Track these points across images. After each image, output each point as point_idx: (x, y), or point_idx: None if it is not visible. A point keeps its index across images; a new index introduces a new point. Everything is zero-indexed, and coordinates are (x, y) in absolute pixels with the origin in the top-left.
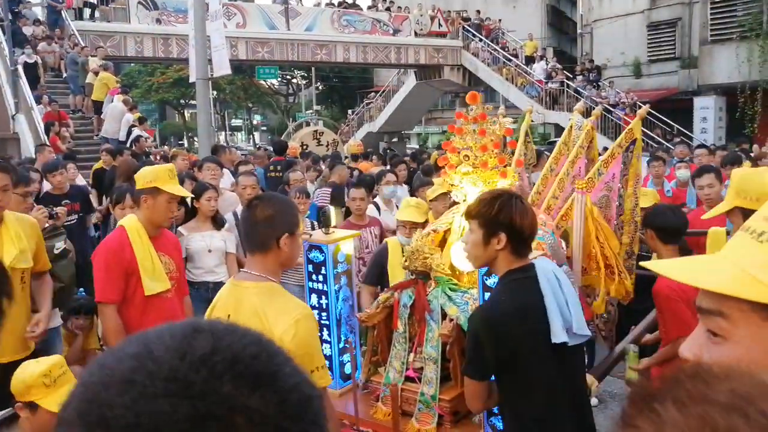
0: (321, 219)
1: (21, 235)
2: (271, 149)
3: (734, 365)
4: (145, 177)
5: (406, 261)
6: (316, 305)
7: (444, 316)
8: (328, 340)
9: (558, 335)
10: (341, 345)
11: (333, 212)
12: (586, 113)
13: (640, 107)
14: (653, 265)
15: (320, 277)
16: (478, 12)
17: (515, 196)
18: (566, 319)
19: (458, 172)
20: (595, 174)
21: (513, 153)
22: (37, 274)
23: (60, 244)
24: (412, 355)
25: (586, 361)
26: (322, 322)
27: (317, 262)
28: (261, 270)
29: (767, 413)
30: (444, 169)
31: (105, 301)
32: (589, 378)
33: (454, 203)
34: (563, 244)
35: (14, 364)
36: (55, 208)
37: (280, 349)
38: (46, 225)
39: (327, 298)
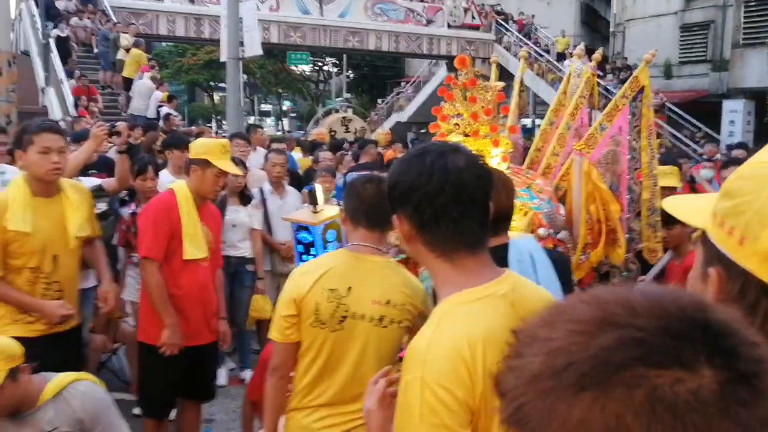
0: (309, 197)
1: (80, 202)
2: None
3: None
4: (198, 148)
5: (397, 241)
6: None
7: (435, 297)
8: None
9: None
10: None
11: (320, 190)
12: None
13: (669, 108)
14: (666, 203)
15: (310, 258)
16: (521, 13)
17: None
18: None
19: (449, 141)
20: (597, 129)
21: (506, 118)
22: (87, 240)
23: (102, 205)
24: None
25: None
26: None
27: (306, 243)
28: (380, 245)
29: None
30: (434, 137)
31: (151, 257)
32: None
33: None
34: (561, 209)
35: (71, 331)
36: (116, 124)
37: None
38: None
39: None
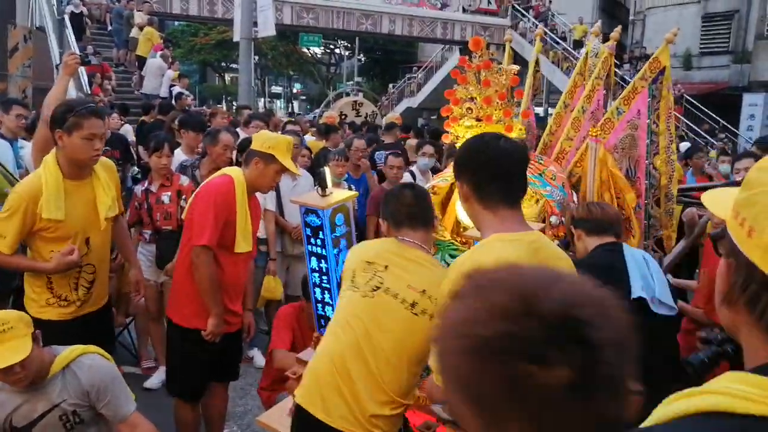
0: (317, 180)
1: (109, 182)
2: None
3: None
4: (264, 141)
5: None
6: (316, 268)
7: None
8: (330, 302)
9: (636, 291)
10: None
11: (329, 173)
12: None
13: (687, 100)
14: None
15: (318, 241)
16: None
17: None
18: (649, 286)
19: (462, 125)
20: (614, 113)
21: (520, 104)
22: (113, 217)
23: None
24: None
25: None
26: (323, 285)
27: (314, 226)
28: (425, 244)
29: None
30: (447, 121)
31: (208, 245)
32: None
33: None
34: (574, 197)
35: (102, 312)
36: (88, 54)
37: None
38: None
39: (327, 262)
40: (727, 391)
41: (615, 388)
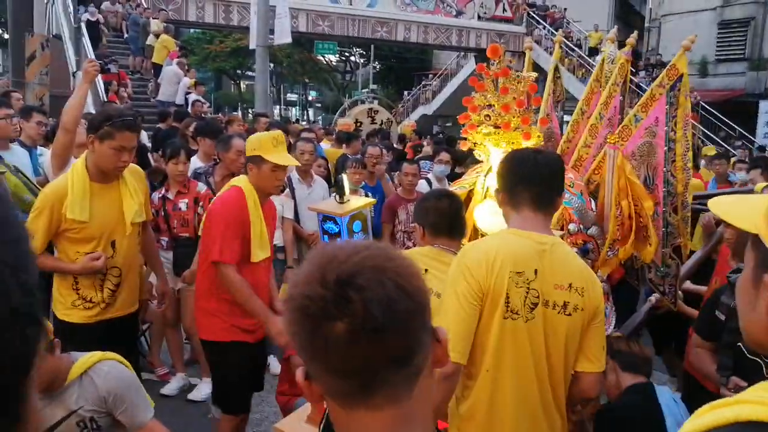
0: (335, 188)
1: (137, 188)
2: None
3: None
4: (250, 145)
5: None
6: None
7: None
8: None
9: None
10: None
11: (347, 181)
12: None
13: (702, 108)
14: (712, 204)
15: None
16: (553, 6)
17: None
18: None
19: (480, 132)
20: (631, 121)
21: (537, 111)
22: (141, 225)
23: None
24: None
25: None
26: None
27: (332, 233)
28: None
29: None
30: (464, 128)
31: (226, 262)
32: (617, 336)
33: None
34: (592, 204)
35: (129, 317)
36: (108, 62)
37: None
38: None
39: None
40: (762, 400)
41: (383, 334)
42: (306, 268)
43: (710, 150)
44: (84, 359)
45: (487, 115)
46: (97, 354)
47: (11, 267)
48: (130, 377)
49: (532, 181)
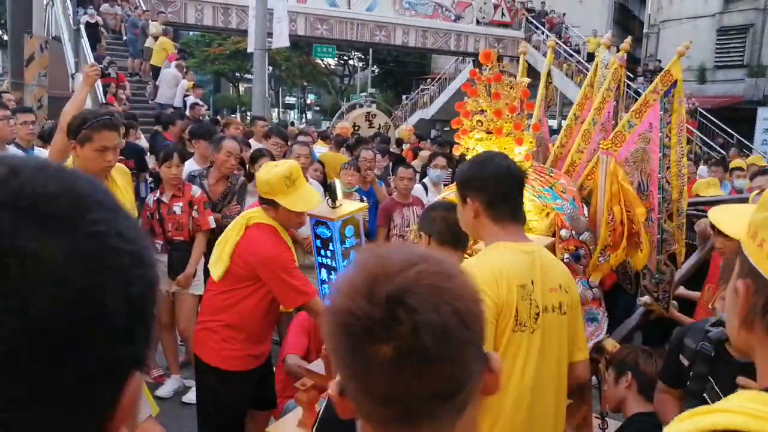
0: (327, 192)
1: (126, 187)
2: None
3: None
4: (261, 187)
5: (415, 239)
6: (326, 280)
7: None
8: None
9: None
10: None
11: (339, 185)
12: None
13: (701, 114)
14: (712, 214)
15: (329, 253)
16: (543, 3)
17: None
18: None
19: (472, 137)
20: (625, 127)
21: (531, 116)
22: None
23: None
24: None
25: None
26: None
27: (324, 238)
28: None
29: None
30: (457, 133)
31: (313, 295)
32: (610, 342)
33: None
34: (585, 209)
35: None
36: (108, 66)
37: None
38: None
39: (337, 274)
40: (741, 410)
41: (431, 365)
42: (353, 275)
43: (738, 163)
44: None
45: (479, 121)
46: None
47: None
48: None
49: (512, 194)
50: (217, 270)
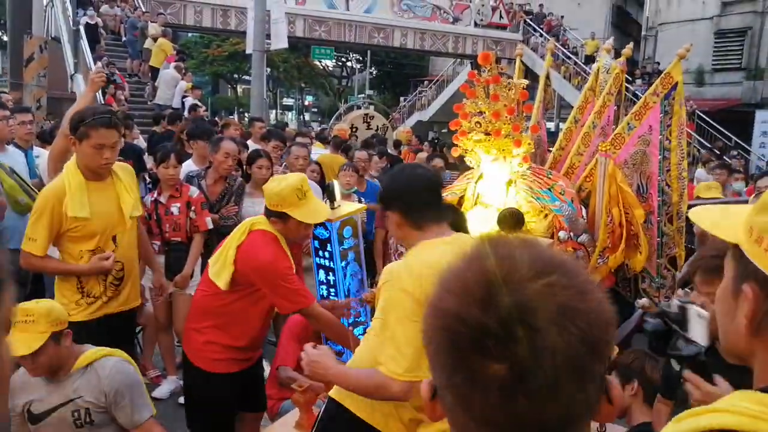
0: (326, 193)
1: (130, 184)
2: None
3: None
4: (270, 198)
5: None
6: (324, 280)
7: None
8: None
9: None
10: (351, 320)
11: (338, 186)
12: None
13: (698, 117)
14: (693, 214)
15: (326, 254)
16: (541, 6)
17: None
18: None
19: (470, 139)
20: (624, 129)
21: (529, 118)
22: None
23: None
24: None
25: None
26: (331, 297)
27: (323, 239)
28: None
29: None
30: (456, 135)
31: (312, 301)
32: None
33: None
34: (583, 212)
35: (129, 313)
36: (115, 73)
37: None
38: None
39: (335, 275)
40: (737, 409)
41: (546, 394)
42: (466, 271)
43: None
44: (92, 352)
45: (478, 122)
46: (106, 349)
47: None
48: (133, 375)
49: (430, 199)
50: (222, 278)
